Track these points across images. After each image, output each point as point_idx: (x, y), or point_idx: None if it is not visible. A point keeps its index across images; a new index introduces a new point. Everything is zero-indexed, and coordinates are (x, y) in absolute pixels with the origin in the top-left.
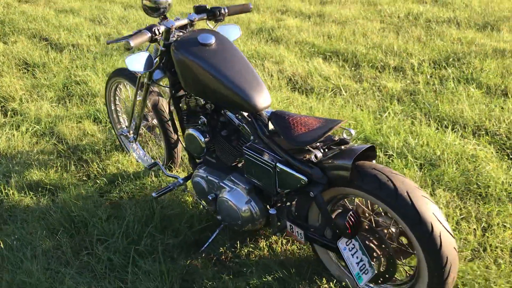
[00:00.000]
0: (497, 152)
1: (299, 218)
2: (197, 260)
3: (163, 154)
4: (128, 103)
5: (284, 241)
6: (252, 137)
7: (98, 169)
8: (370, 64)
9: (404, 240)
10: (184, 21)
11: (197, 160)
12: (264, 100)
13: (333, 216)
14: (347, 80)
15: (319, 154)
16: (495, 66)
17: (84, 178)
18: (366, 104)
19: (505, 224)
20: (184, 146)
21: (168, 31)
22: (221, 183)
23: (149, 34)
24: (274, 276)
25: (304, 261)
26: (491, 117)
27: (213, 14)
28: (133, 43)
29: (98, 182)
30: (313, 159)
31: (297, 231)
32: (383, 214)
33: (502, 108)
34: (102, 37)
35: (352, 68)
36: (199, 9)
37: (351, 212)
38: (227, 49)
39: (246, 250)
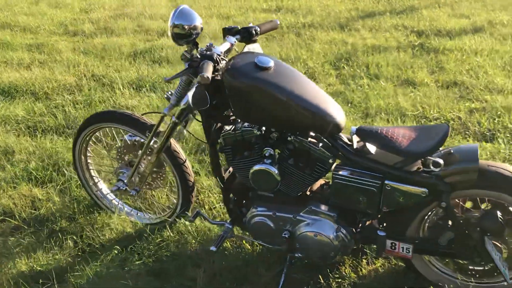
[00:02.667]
0: None
1: (402, 233)
2: None
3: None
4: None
5: (363, 262)
6: (330, 160)
7: (92, 237)
8: None
9: None
10: (227, 46)
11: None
12: (343, 118)
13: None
14: None
15: (441, 161)
16: (386, 60)
17: (83, 255)
18: None
19: None
20: (252, 184)
21: None
22: (298, 217)
23: (212, 64)
24: None
25: (395, 274)
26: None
27: (249, 35)
28: (209, 75)
29: (107, 254)
30: (433, 168)
31: (403, 247)
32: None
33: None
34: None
35: None
36: (232, 31)
37: (498, 211)
38: (288, 70)
39: (336, 282)
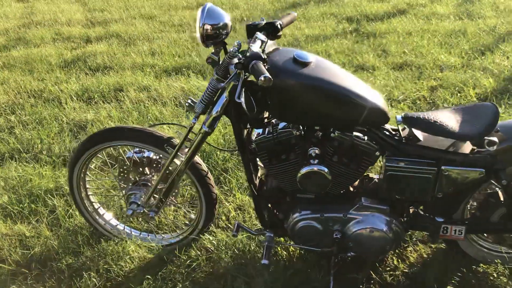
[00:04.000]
0: None
1: (455, 216)
2: None
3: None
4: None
5: (407, 250)
6: (377, 153)
7: (111, 270)
8: None
9: None
10: (259, 43)
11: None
12: (387, 109)
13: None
14: None
15: (497, 140)
16: (333, 48)
17: None
18: None
19: None
20: (301, 187)
21: None
22: (348, 216)
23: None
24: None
25: (441, 256)
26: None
27: (275, 30)
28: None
29: (136, 286)
30: (487, 148)
31: (455, 229)
32: None
33: None
34: None
35: None
36: (258, 27)
37: None
38: (328, 64)
39: (389, 275)
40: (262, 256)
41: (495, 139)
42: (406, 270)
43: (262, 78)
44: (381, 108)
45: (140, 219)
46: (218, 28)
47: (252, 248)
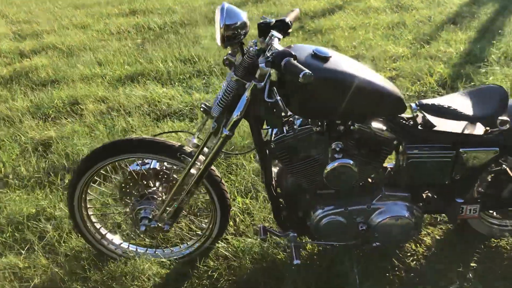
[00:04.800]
0: None
1: (470, 195)
2: None
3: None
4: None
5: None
6: (395, 142)
7: None
8: None
9: None
10: (277, 41)
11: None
12: (404, 98)
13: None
14: None
15: (508, 119)
16: None
17: None
18: None
19: None
20: (328, 183)
21: None
22: (372, 206)
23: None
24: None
25: (452, 235)
26: None
27: (286, 27)
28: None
29: None
30: (500, 127)
31: (470, 209)
32: None
33: None
34: None
35: None
36: (269, 26)
37: None
38: (345, 57)
39: (411, 260)
40: (293, 257)
41: (506, 118)
42: (426, 253)
43: (304, 75)
44: (399, 97)
45: (159, 233)
46: (237, 28)
47: (270, 250)
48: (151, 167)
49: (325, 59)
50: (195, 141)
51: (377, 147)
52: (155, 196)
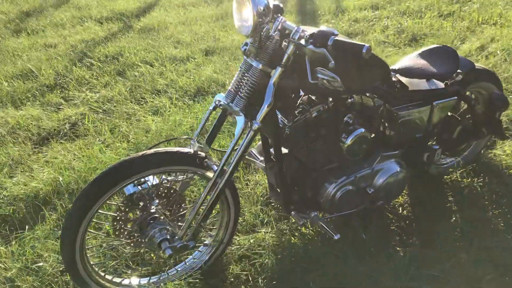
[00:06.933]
0: None
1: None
2: None
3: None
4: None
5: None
6: (383, 106)
7: None
8: None
9: None
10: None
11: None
12: None
13: None
14: None
15: (460, 70)
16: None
17: None
18: None
19: None
20: (349, 155)
21: None
22: (375, 169)
23: None
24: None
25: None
26: None
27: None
28: None
29: None
30: (456, 78)
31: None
32: None
33: None
34: None
35: None
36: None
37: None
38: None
39: (401, 209)
40: (331, 234)
41: (459, 70)
42: (412, 203)
43: (366, 50)
44: (387, 64)
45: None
46: (265, 14)
47: (283, 238)
48: (153, 183)
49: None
50: (198, 144)
51: (373, 113)
52: (163, 215)
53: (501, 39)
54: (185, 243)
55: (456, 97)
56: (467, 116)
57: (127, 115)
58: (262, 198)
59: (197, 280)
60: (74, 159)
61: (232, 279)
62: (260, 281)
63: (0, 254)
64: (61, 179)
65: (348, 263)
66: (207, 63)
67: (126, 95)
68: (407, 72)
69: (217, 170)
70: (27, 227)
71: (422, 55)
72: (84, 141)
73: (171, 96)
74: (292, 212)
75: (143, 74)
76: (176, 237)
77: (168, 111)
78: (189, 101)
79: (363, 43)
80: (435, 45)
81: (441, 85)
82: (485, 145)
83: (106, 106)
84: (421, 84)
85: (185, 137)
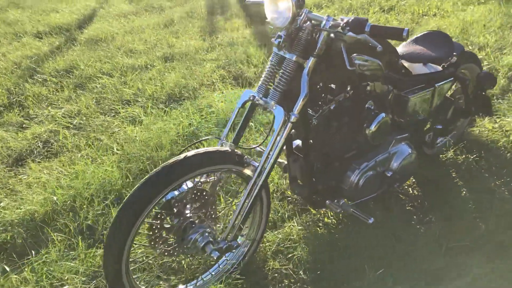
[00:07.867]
0: None
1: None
2: None
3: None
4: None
5: None
6: (392, 90)
7: None
8: None
9: None
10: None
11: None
12: None
13: None
14: None
15: (454, 52)
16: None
17: None
18: None
19: None
20: (373, 141)
21: None
22: (391, 152)
23: None
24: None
25: None
26: None
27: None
28: None
29: None
30: (451, 61)
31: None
32: None
33: None
34: None
35: None
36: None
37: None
38: None
39: (410, 190)
40: (365, 218)
41: (454, 52)
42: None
43: (406, 32)
44: (396, 50)
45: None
46: (302, 5)
47: (312, 228)
48: (189, 187)
49: None
50: (229, 143)
51: (387, 98)
52: (198, 218)
53: (448, 28)
54: (229, 243)
55: (452, 78)
56: (457, 97)
57: (103, 128)
58: (275, 194)
59: (238, 281)
60: (61, 177)
61: (275, 275)
62: (301, 273)
63: (12, 283)
64: (55, 198)
65: (387, 244)
66: (170, 69)
67: (95, 108)
68: (410, 57)
69: (258, 166)
70: (33, 252)
71: (417, 41)
72: (65, 158)
73: (143, 105)
74: (327, 201)
75: (105, 86)
76: (219, 238)
77: (147, 120)
78: (165, 108)
79: (402, 27)
80: (428, 31)
81: (438, 68)
82: (468, 123)
83: (75, 120)
84: (422, 68)
85: (211, 137)
